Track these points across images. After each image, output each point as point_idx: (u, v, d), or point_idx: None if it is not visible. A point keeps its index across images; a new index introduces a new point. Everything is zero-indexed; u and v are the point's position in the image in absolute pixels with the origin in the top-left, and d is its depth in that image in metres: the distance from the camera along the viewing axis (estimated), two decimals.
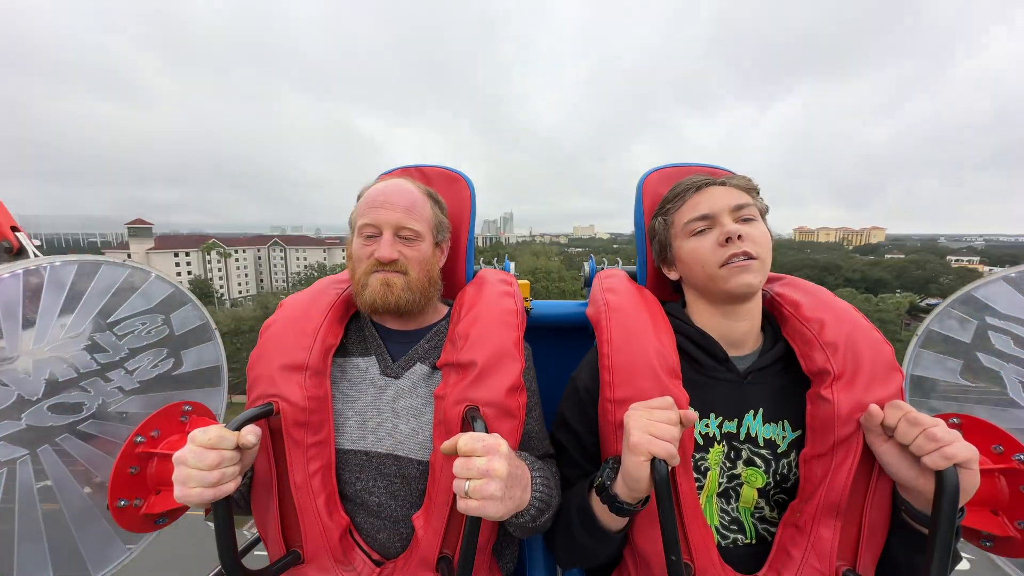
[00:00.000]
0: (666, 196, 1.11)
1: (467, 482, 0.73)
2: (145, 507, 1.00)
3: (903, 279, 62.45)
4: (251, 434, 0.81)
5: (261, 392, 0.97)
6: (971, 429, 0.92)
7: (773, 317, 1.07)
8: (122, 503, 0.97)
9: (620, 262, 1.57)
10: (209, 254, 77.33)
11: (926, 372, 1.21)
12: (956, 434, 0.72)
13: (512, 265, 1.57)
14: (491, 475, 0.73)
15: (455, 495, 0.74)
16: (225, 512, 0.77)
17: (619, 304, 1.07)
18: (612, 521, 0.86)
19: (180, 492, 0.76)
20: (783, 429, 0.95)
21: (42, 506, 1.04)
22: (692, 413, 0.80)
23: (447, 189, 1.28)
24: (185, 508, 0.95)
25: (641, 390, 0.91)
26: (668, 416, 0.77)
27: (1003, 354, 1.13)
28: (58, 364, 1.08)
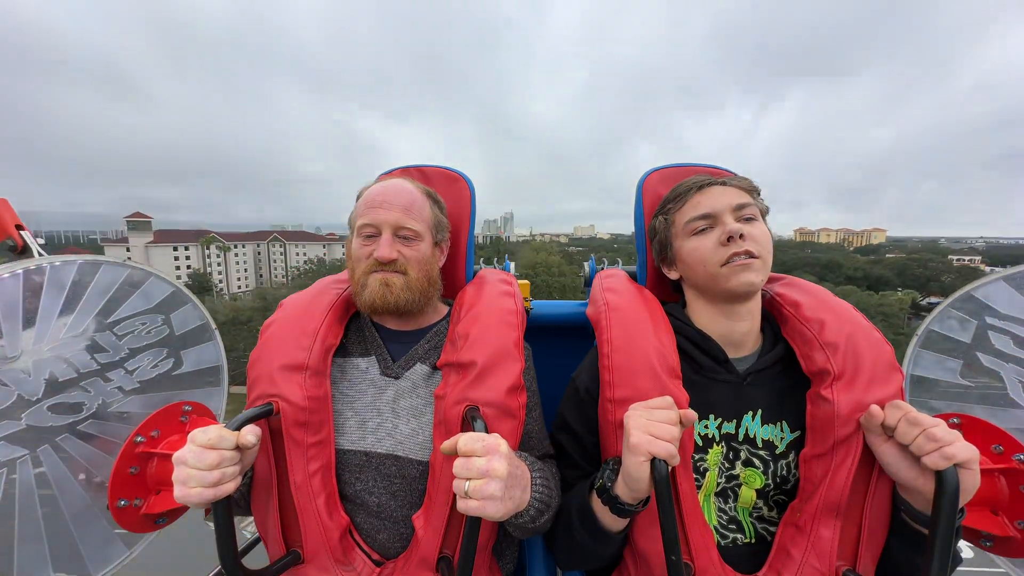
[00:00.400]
0: (667, 195, 1.11)
1: (467, 482, 0.73)
2: (145, 507, 1.00)
3: (904, 277, 61.97)
4: (251, 434, 0.81)
5: (261, 392, 0.97)
6: (971, 429, 0.92)
7: (773, 318, 1.07)
8: (122, 503, 0.97)
9: (620, 262, 1.57)
10: (208, 248, 76.66)
11: (926, 372, 1.21)
12: (956, 434, 0.72)
13: (512, 265, 1.57)
14: (491, 475, 0.73)
15: (455, 495, 0.74)
16: (225, 512, 0.77)
17: (619, 304, 1.07)
18: (613, 522, 0.86)
19: (180, 492, 0.76)
20: (781, 430, 0.95)
21: (42, 506, 1.04)
22: (692, 413, 0.80)
23: (447, 189, 1.27)
24: (185, 508, 0.95)
25: (641, 390, 0.91)
26: (668, 416, 0.77)
27: (1003, 354, 1.13)
28: (58, 364, 1.08)
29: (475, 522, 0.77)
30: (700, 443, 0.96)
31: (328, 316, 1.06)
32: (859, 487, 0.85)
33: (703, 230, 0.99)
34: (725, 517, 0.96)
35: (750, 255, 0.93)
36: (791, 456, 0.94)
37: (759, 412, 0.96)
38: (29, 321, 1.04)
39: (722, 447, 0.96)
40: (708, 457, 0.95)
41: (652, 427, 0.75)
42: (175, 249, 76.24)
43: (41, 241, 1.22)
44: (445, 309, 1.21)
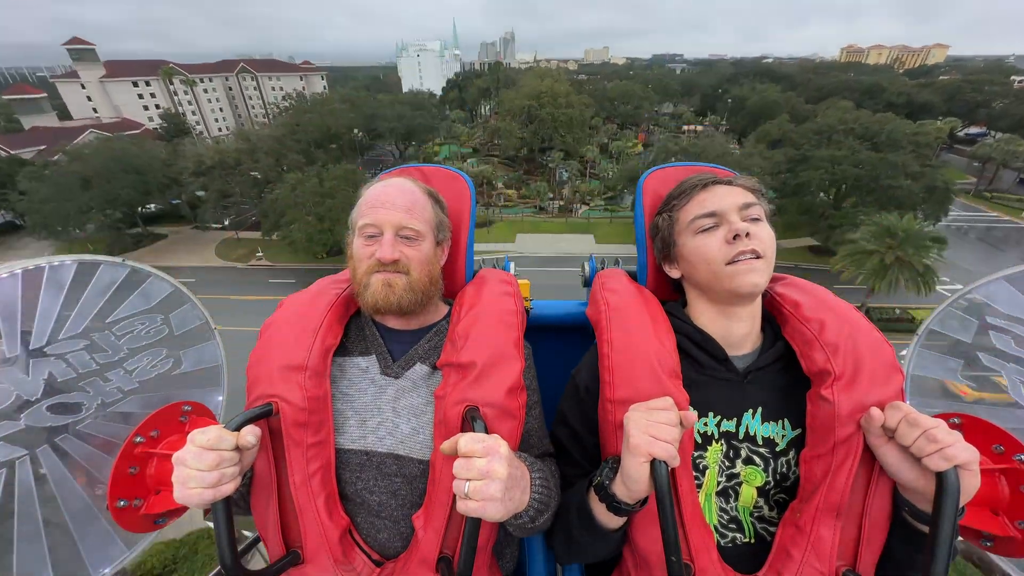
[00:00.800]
0: (671, 192, 1.10)
1: (467, 483, 0.73)
2: (145, 507, 1.00)
3: (953, 103, 54.02)
4: (250, 435, 0.81)
5: (260, 392, 0.96)
6: (972, 429, 0.92)
7: (773, 317, 1.07)
8: (122, 503, 0.97)
9: (620, 262, 1.57)
10: (172, 82, 67.16)
11: (927, 372, 1.21)
12: (957, 435, 0.72)
13: (512, 265, 1.57)
14: (491, 476, 0.73)
15: (455, 495, 0.74)
16: (225, 512, 0.77)
17: (619, 304, 1.07)
18: (610, 520, 0.87)
19: (179, 492, 0.76)
20: (782, 428, 0.95)
21: (41, 506, 1.04)
22: (692, 414, 0.80)
23: (447, 188, 1.27)
24: (185, 508, 0.95)
25: (641, 390, 0.91)
26: (668, 417, 0.77)
27: (1004, 354, 1.13)
28: (57, 364, 1.08)
29: (475, 522, 0.77)
30: (699, 440, 0.96)
31: (328, 316, 1.06)
32: (859, 487, 0.85)
33: (708, 228, 0.99)
34: (726, 517, 0.96)
35: (755, 255, 0.93)
36: (791, 453, 0.94)
37: (759, 410, 0.96)
38: (28, 321, 1.04)
39: (722, 445, 0.96)
40: (707, 455, 0.95)
41: (652, 428, 0.75)
42: (136, 85, 66.35)
43: None
44: (445, 308, 1.21)
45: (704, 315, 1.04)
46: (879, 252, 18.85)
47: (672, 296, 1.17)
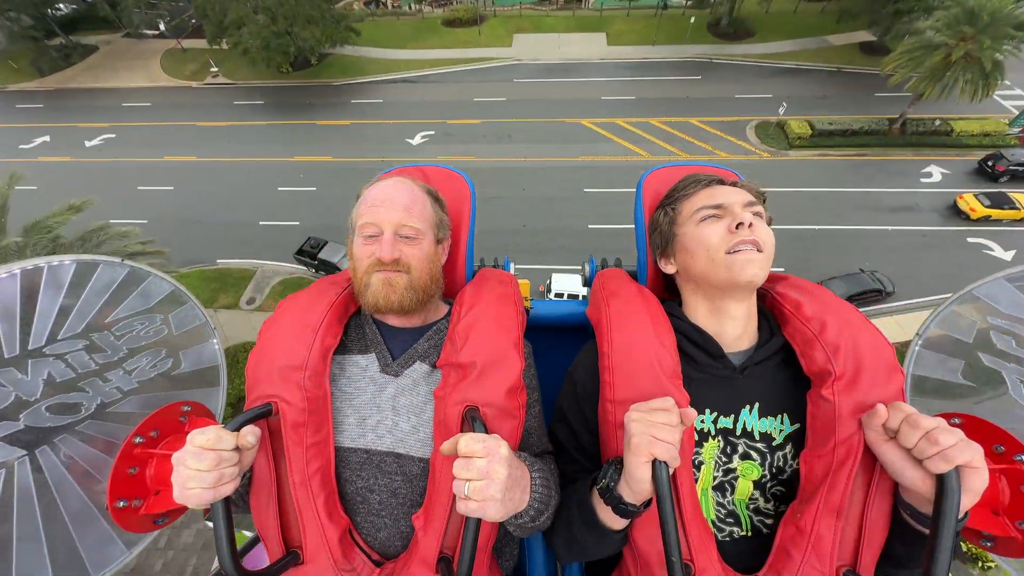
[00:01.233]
0: (675, 186, 1.11)
1: (467, 483, 0.73)
2: (144, 507, 1.00)
3: None
4: (250, 435, 0.81)
5: (260, 393, 0.97)
6: (972, 429, 0.92)
7: (770, 313, 1.07)
8: (121, 503, 0.97)
9: (620, 261, 1.57)
10: None
11: (927, 372, 1.21)
12: (959, 434, 0.72)
13: (512, 265, 1.58)
14: (491, 477, 0.73)
15: (455, 496, 0.74)
16: (224, 512, 0.77)
17: (619, 304, 1.07)
18: (614, 521, 0.87)
19: (179, 493, 0.76)
20: (780, 423, 0.96)
21: (40, 507, 1.04)
22: (692, 413, 0.80)
23: (446, 188, 1.28)
24: (184, 508, 0.95)
25: (641, 391, 0.91)
26: (669, 418, 0.77)
27: (1005, 354, 1.13)
28: (56, 364, 1.08)
29: (475, 523, 0.77)
30: (696, 436, 0.96)
31: (327, 316, 1.06)
32: (860, 488, 0.85)
33: (711, 217, 0.99)
34: (723, 511, 0.96)
35: (756, 247, 0.93)
36: (788, 447, 0.95)
37: (756, 405, 0.97)
38: (27, 321, 1.04)
39: (718, 442, 0.96)
40: (703, 451, 0.96)
41: (653, 429, 0.76)
42: None
43: None
44: (445, 308, 1.21)
45: (699, 314, 1.04)
46: (947, 46, 16.00)
47: (670, 296, 1.17)
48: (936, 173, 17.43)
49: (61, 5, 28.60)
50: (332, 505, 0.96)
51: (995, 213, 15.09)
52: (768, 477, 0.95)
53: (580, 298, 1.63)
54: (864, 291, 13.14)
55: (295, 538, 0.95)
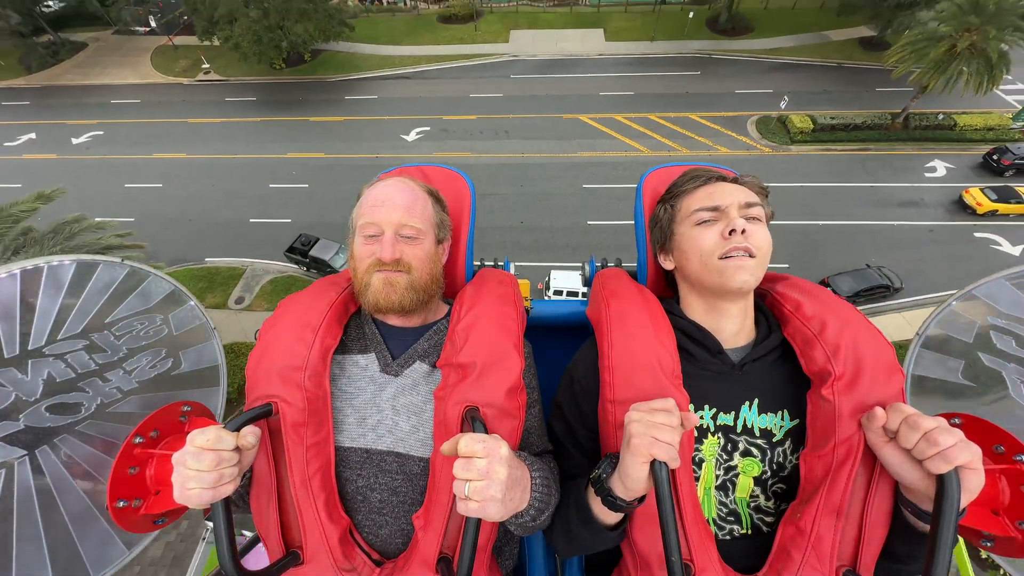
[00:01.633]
0: (676, 181, 1.11)
1: (467, 483, 0.73)
2: (144, 507, 1.00)
3: None
4: (250, 435, 0.81)
5: (260, 393, 0.97)
6: (972, 429, 0.92)
7: (768, 310, 1.07)
8: (121, 503, 0.97)
9: (621, 261, 1.57)
10: None
11: (927, 372, 1.21)
12: (958, 435, 0.72)
13: (512, 265, 1.57)
14: (491, 477, 0.73)
15: (455, 496, 0.74)
16: (224, 512, 0.77)
17: (620, 304, 1.07)
18: (607, 516, 0.87)
19: (179, 493, 0.76)
20: (781, 419, 0.96)
21: (40, 507, 1.04)
22: (694, 416, 0.80)
23: (446, 188, 1.27)
24: (184, 508, 0.95)
25: (641, 391, 0.91)
26: (669, 419, 0.77)
27: (1005, 354, 1.13)
28: (56, 364, 1.08)
29: (475, 522, 0.77)
30: (695, 433, 0.96)
31: (327, 316, 1.06)
32: (860, 488, 0.85)
33: (707, 221, 0.99)
34: (725, 510, 0.96)
35: (748, 254, 0.93)
36: (788, 443, 0.95)
37: (756, 401, 0.97)
38: (27, 321, 1.04)
39: (719, 439, 0.96)
40: (703, 448, 0.96)
41: (653, 429, 0.76)
42: None
43: None
44: (445, 308, 1.21)
45: (696, 311, 1.04)
46: (951, 37, 15.66)
47: (670, 295, 1.17)
48: (940, 168, 17.25)
49: (50, 2, 28.04)
50: (332, 505, 0.96)
51: (1002, 207, 14.94)
52: (769, 474, 0.95)
53: (580, 295, 1.63)
54: (872, 287, 13.03)
55: (295, 538, 0.95)
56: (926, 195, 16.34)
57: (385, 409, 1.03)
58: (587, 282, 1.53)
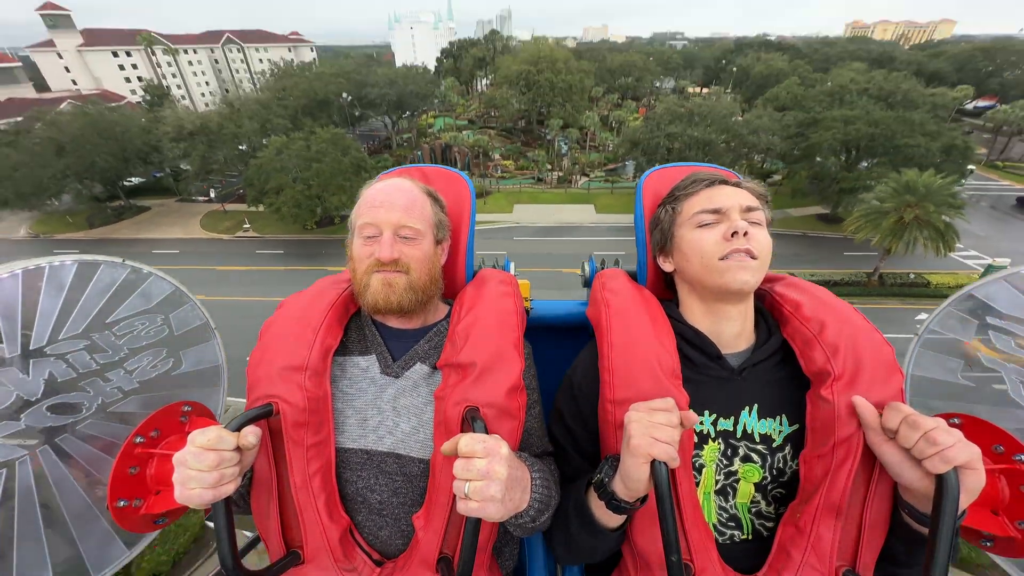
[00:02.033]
0: (678, 184, 1.11)
1: (467, 483, 0.73)
2: (145, 507, 1.00)
3: (964, 72, 52.55)
4: (251, 435, 0.81)
5: (261, 393, 0.97)
6: (972, 429, 0.92)
7: (769, 314, 1.07)
8: (122, 503, 0.97)
9: (619, 262, 1.57)
10: (153, 53, 62.35)
11: (926, 372, 1.21)
12: (957, 435, 0.72)
13: (512, 265, 1.57)
14: (491, 477, 0.73)
15: (455, 496, 0.74)
16: (225, 512, 0.78)
17: (619, 304, 1.07)
18: (609, 519, 0.87)
19: (180, 493, 0.76)
20: (779, 424, 0.96)
21: (41, 506, 1.04)
22: (693, 415, 0.80)
23: (446, 188, 1.28)
24: (185, 508, 0.95)
25: (641, 391, 0.91)
26: (669, 418, 0.77)
27: (1004, 354, 1.13)
28: (57, 364, 1.08)
29: (475, 523, 0.77)
30: (695, 439, 0.96)
31: (328, 316, 1.06)
32: (859, 488, 0.85)
33: (708, 224, 0.99)
34: (725, 515, 0.96)
35: (750, 255, 0.93)
36: (787, 449, 0.94)
37: (755, 407, 0.96)
38: (28, 321, 1.04)
39: (719, 444, 0.96)
40: (704, 453, 0.96)
41: (653, 429, 0.76)
42: (115, 55, 62.54)
43: None
44: (445, 309, 1.21)
45: (695, 314, 1.04)
46: (896, 211, 18.15)
47: (669, 296, 1.17)
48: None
49: (133, 177, 33.64)
50: (333, 505, 0.96)
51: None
52: (769, 479, 0.95)
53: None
54: None
55: (296, 538, 0.95)
56: None
57: (386, 410, 1.03)
58: (587, 283, 1.53)
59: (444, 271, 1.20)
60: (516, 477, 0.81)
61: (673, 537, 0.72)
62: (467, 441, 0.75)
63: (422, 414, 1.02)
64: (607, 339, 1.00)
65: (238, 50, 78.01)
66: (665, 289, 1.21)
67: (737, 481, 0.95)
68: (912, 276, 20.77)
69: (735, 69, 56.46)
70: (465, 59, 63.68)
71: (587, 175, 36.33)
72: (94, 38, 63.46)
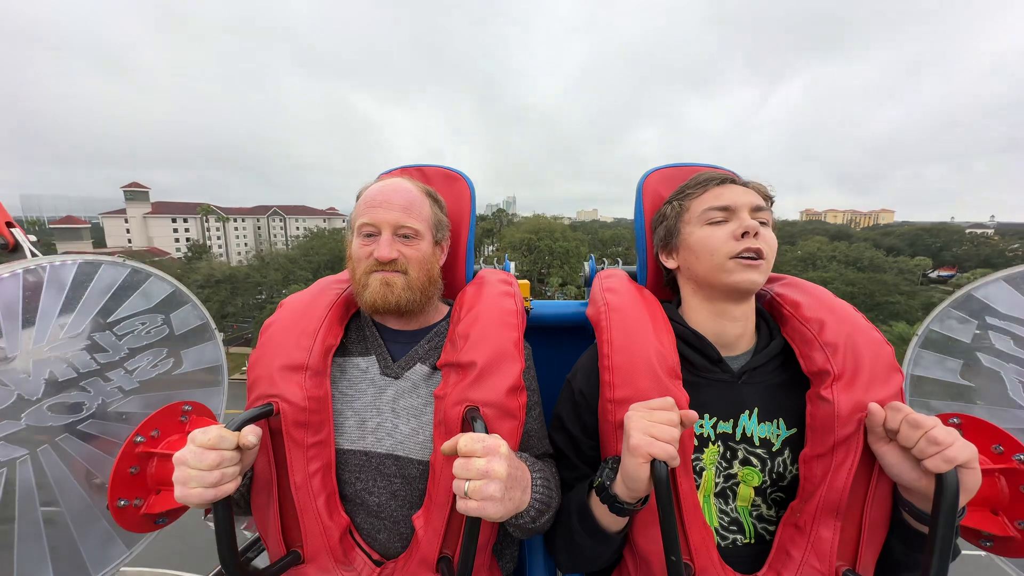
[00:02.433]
0: (687, 183, 1.10)
1: (467, 483, 0.73)
2: (145, 507, 1.00)
3: (916, 247, 60.70)
4: (251, 434, 0.81)
5: (261, 392, 0.97)
6: (971, 429, 0.92)
7: (770, 316, 1.07)
8: (122, 503, 0.97)
9: (620, 262, 1.57)
10: (208, 220, 75.44)
11: (926, 372, 1.21)
12: (955, 434, 0.72)
13: (512, 265, 1.57)
14: (491, 476, 0.73)
15: (455, 495, 0.74)
16: (225, 512, 0.77)
17: (619, 304, 1.07)
18: (611, 521, 0.86)
19: (180, 492, 0.76)
20: (777, 427, 0.95)
21: (41, 506, 1.04)
22: (693, 414, 0.80)
23: (446, 188, 1.27)
24: (185, 508, 0.96)
25: (641, 390, 0.91)
26: (668, 417, 0.77)
27: (1003, 354, 1.13)
28: (58, 364, 1.08)
29: (475, 522, 0.77)
30: (695, 442, 0.96)
31: (328, 316, 1.06)
32: (859, 487, 0.85)
33: (718, 221, 0.99)
34: (727, 519, 0.96)
35: (759, 255, 0.94)
36: (786, 453, 0.94)
37: (755, 410, 0.96)
38: (28, 321, 1.04)
39: (719, 447, 0.96)
40: (704, 456, 0.95)
41: (652, 428, 0.75)
42: (173, 221, 75.96)
43: (33, 239, 1.20)
44: (445, 309, 1.21)
45: (698, 315, 1.04)
46: None
47: (669, 297, 1.17)
48: None
49: None
50: (333, 505, 0.96)
51: None
52: (769, 483, 0.94)
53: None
54: None
55: (296, 538, 0.95)
56: None
57: (385, 412, 1.03)
58: (587, 282, 1.53)
59: (444, 271, 1.20)
60: (516, 476, 0.80)
61: (673, 537, 0.72)
62: (467, 440, 0.75)
63: (422, 415, 1.02)
64: (607, 339, 1.00)
65: (280, 220, 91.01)
66: (665, 290, 1.21)
67: (737, 484, 0.95)
68: None
69: None
70: (475, 231, 70.55)
71: None
72: (161, 208, 76.21)
